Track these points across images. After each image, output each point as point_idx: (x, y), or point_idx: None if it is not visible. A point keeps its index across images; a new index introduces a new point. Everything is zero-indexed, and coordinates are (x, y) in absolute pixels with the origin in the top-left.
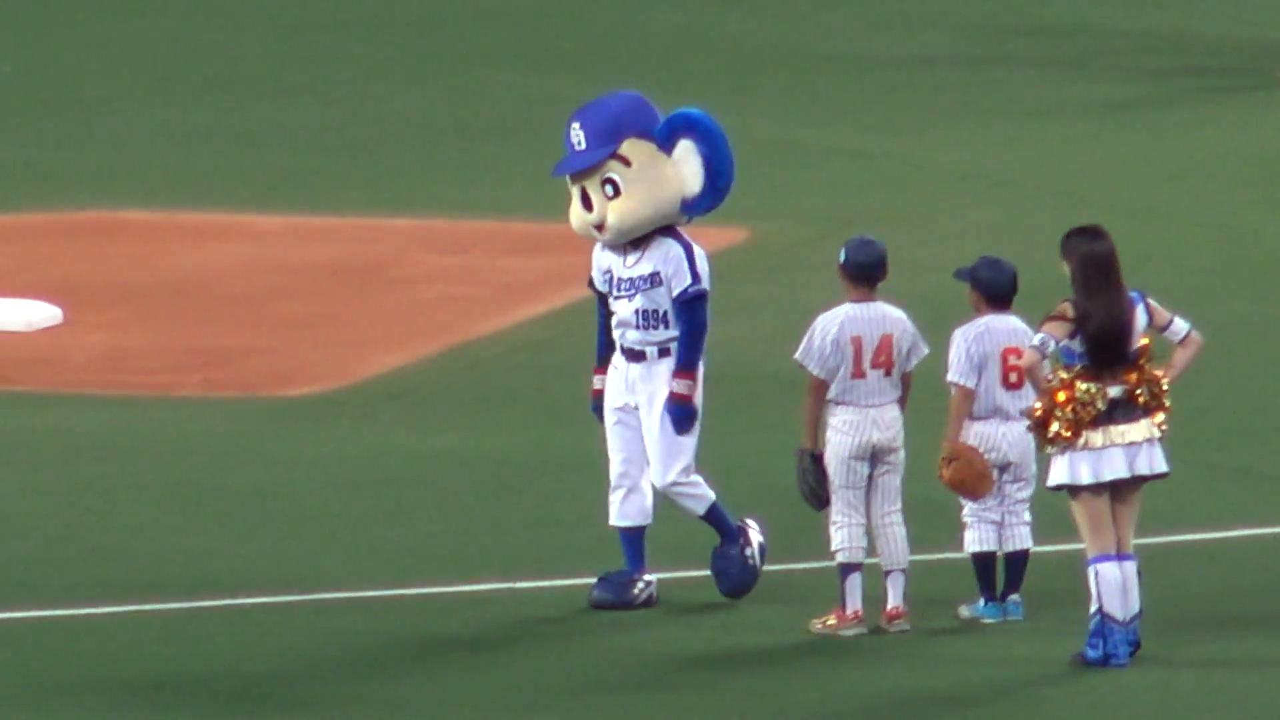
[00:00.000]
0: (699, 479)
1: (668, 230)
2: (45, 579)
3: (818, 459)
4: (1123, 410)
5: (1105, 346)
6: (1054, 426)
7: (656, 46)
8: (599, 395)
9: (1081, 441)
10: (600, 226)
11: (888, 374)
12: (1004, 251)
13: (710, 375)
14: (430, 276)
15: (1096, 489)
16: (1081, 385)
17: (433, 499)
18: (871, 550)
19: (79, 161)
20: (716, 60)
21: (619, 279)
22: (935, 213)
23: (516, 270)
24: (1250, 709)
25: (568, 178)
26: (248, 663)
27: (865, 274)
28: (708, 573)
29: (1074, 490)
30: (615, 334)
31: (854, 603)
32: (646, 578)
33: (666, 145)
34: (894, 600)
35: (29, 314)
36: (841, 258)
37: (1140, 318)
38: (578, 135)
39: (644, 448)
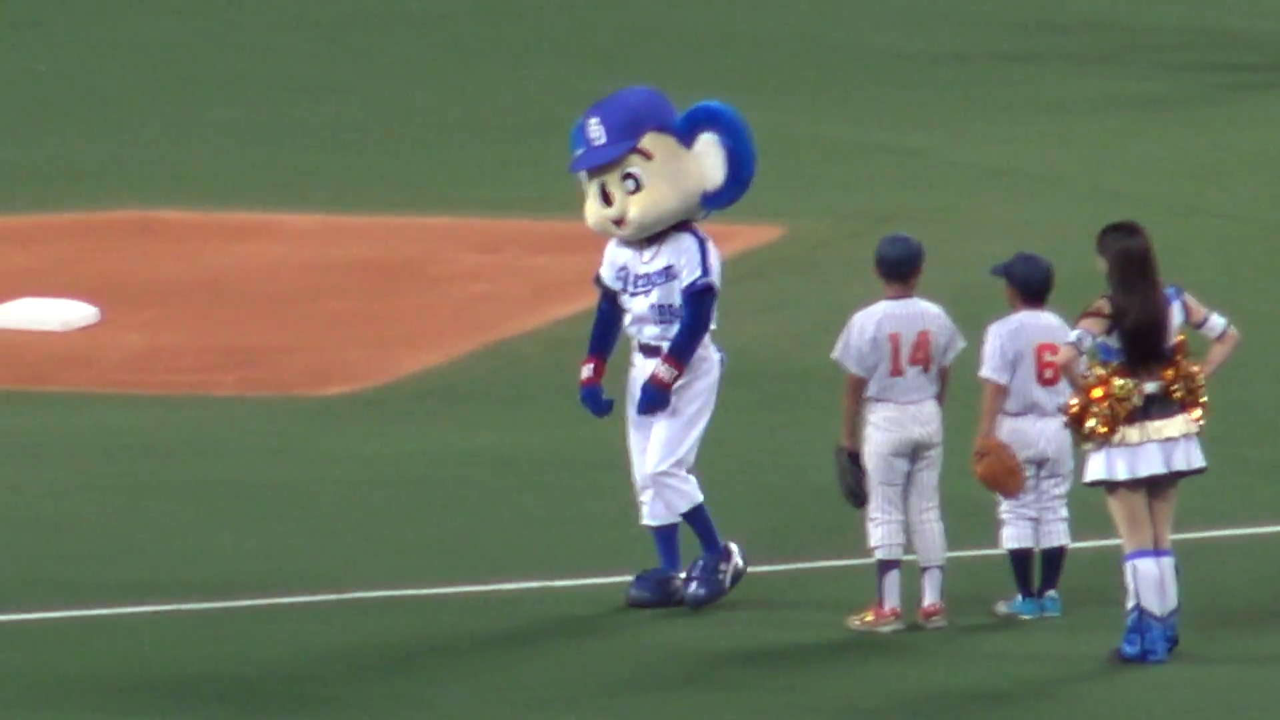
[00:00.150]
0: (691, 477)
1: (683, 225)
2: (80, 578)
3: (855, 457)
4: (1159, 406)
5: (1141, 342)
6: (1090, 422)
7: (689, 43)
8: (588, 384)
9: (1118, 437)
10: (620, 221)
11: (925, 370)
12: (1039, 247)
13: (747, 372)
14: (465, 275)
15: (1133, 485)
16: (1118, 381)
17: (468, 497)
18: (908, 547)
19: (114, 161)
20: (749, 57)
21: (636, 275)
22: (970, 209)
23: (551, 268)
24: None
25: (583, 173)
26: (282, 662)
27: (897, 271)
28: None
29: (1111, 486)
30: (631, 330)
31: (892, 599)
32: (683, 575)
33: (687, 139)
34: (931, 597)
35: (65, 314)
36: (875, 255)
37: (1176, 314)
38: (596, 130)
39: None
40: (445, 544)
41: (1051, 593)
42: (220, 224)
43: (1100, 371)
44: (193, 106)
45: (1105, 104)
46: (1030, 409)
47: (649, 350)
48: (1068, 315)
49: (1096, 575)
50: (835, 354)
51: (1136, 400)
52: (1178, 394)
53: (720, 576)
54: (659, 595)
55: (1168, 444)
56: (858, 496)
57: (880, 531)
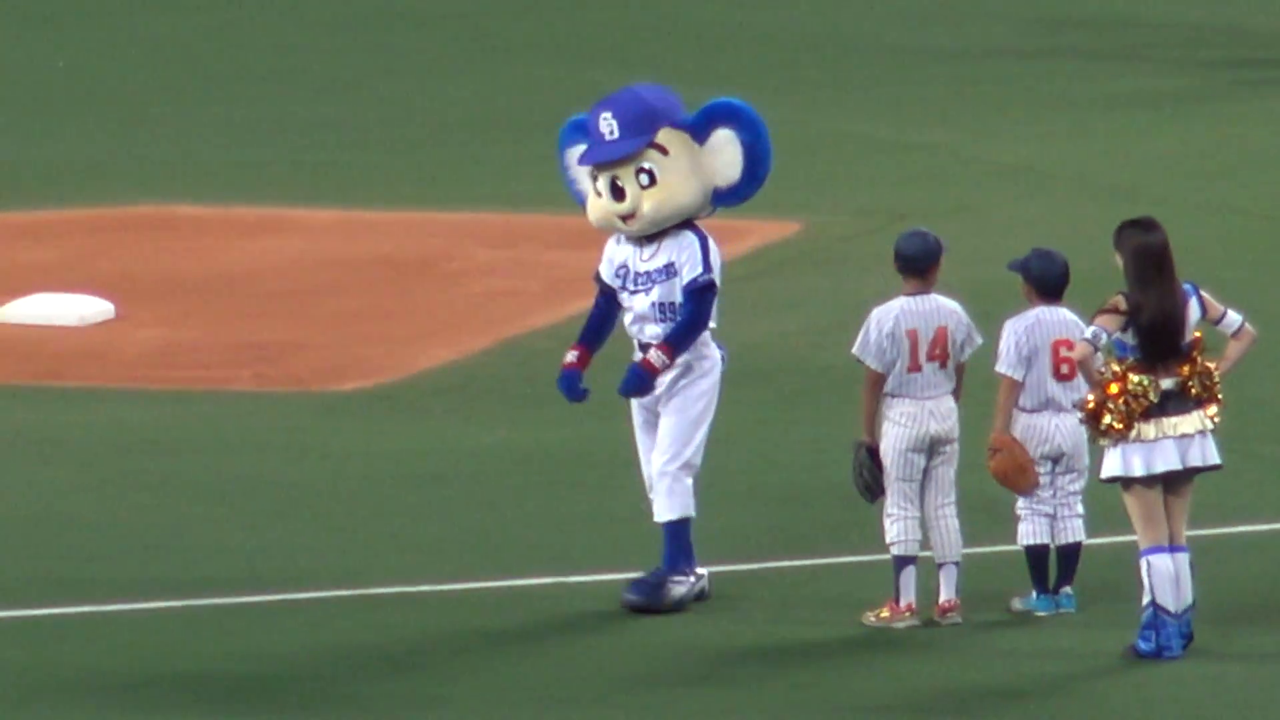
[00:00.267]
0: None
1: (685, 222)
2: (96, 574)
3: (874, 452)
4: (1175, 402)
5: (1158, 339)
6: (1106, 419)
7: (704, 40)
8: (569, 367)
9: (1134, 433)
10: (630, 216)
11: (943, 366)
12: (1056, 244)
13: (763, 368)
14: (481, 270)
15: (1149, 481)
16: (1134, 377)
17: (484, 493)
18: (924, 543)
19: (131, 157)
20: (765, 53)
21: (635, 273)
22: (987, 205)
23: (567, 264)
24: None
25: (590, 168)
26: (299, 658)
27: (915, 266)
28: (759, 566)
29: (1126, 482)
30: (631, 329)
31: (907, 595)
32: (699, 571)
33: (701, 135)
34: (946, 593)
35: (81, 309)
36: (894, 250)
37: (1193, 310)
38: (609, 124)
39: None
40: (460, 540)
41: (1067, 589)
42: (236, 220)
43: (1116, 368)
44: (209, 103)
45: (1123, 100)
46: (1046, 405)
47: (650, 349)
48: (1084, 311)
49: (1112, 571)
50: (854, 349)
51: (1153, 397)
52: (1194, 390)
53: (665, 593)
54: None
55: (1183, 440)
56: (873, 492)
57: (897, 527)
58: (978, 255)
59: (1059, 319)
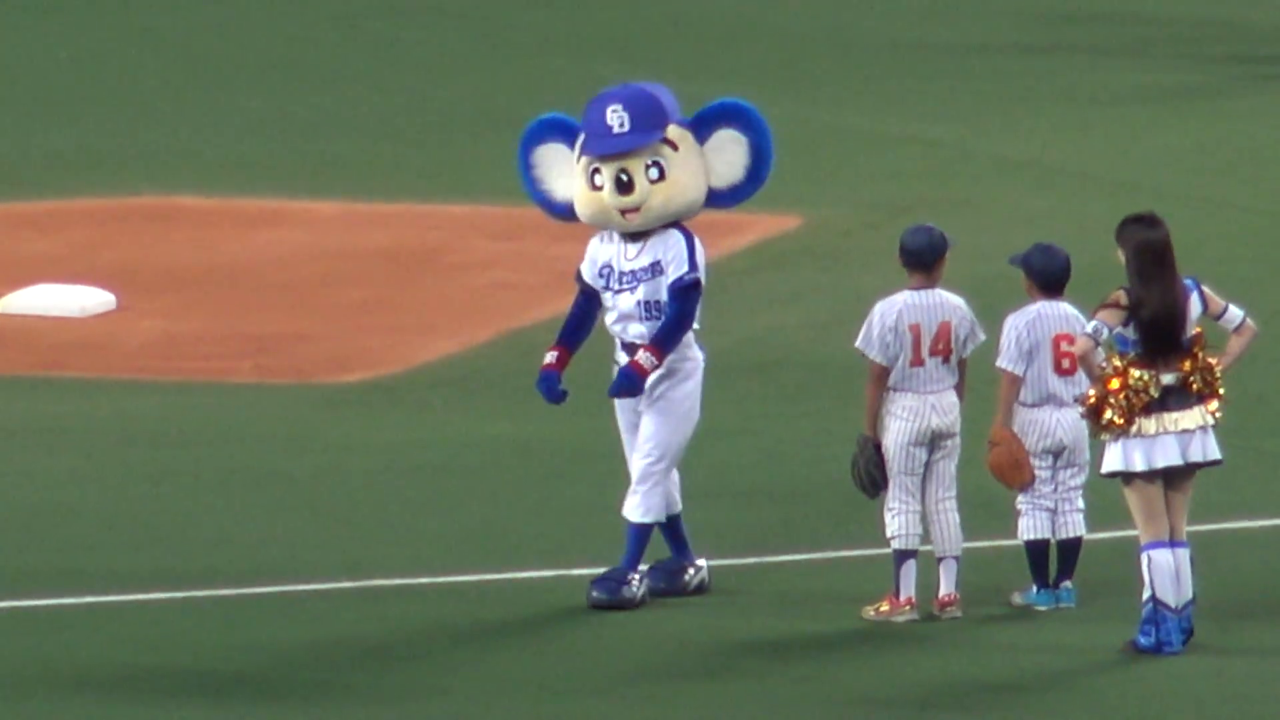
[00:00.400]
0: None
1: (672, 221)
2: (98, 565)
3: (879, 446)
4: (1176, 398)
5: (1159, 334)
6: (1107, 414)
7: (710, 33)
8: (548, 368)
9: (1135, 429)
10: (634, 210)
11: (946, 361)
12: (1058, 239)
13: (764, 362)
14: (484, 263)
15: (1150, 476)
16: (1135, 372)
17: (486, 485)
18: (924, 537)
19: (133, 148)
20: (769, 48)
21: (620, 272)
22: (990, 200)
23: (569, 257)
24: None
25: (588, 160)
26: (300, 649)
27: (920, 261)
28: (759, 560)
29: (1127, 477)
30: (615, 328)
31: (907, 589)
32: (699, 562)
33: (703, 134)
34: (946, 587)
35: (83, 300)
36: (899, 244)
37: (1195, 305)
38: (620, 116)
39: None
40: (461, 532)
41: (1067, 583)
42: (238, 211)
43: (1117, 363)
44: (212, 94)
45: (1126, 96)
46: (1048, 399)
47: (634, 349)
48: (1086, 306)
49: (1112, 566)
50: (856, 343)
51: (1154, 392)
52: (1195, 386)
53: (627, 594)
54: (672, 585)
55: (1184, 436)
56: (877, 486)
57: (898, 521)
58: (980, 250)
59: (1060, 314)
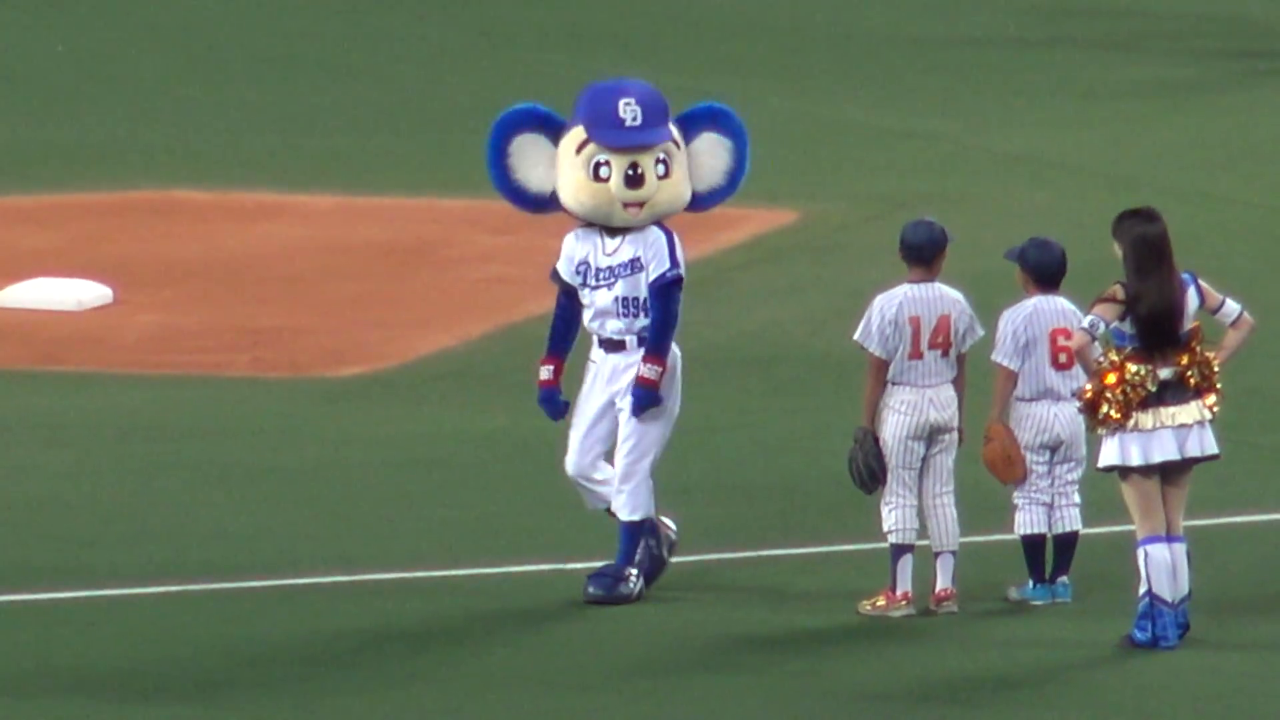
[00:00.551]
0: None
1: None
2: (95, 559)
3: (878, 440)
4: (1173, 392)
5: (1156, 328)
6: (1104, 408)
7: (707, 28)
8: (546, 385)
9: (1131, 423)
10: (641, 204)
11: (945, 355)
12: (1055, 233)
13: (761, 356)
14: (481, 257)
15: (1146, 471)
16: (1132, 367)
17: (482, 480)
18: (921, 532)
19: (131, 141)
20: (768, 41)
21: (597, 268)
22: (987, 194)
23: None
24: None
25: (606, 152)
26: (298, 643)
27: (920, 255)
28: (756, 554)
29: (1124, 472)
30: (592, 325)
31: (904, 584)
32: (668, 523)
33: (689, 135)
34: (943, 582)
35: (79, 293)
36: (900, 238)
37: (1192, 300)
38: (633, 110)
39: (605, 438)
40: (458, 526)
41: (1063, 578)
42: (236, 205)
43: (1114, 357)
44: (210, 88)
45: (1124, 90)
46: (1045, 394)
47: (612, 345)
48: (1083, 301)
49: (1109, 561)
50: (856, 336)
51: (1151, 386)
52: (1192, 380)
53: (624, 589)
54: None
55: (1181, 430)
56: (875, 479)
57: (894, 516)
58: (978, 244)
59: (1056, 308)
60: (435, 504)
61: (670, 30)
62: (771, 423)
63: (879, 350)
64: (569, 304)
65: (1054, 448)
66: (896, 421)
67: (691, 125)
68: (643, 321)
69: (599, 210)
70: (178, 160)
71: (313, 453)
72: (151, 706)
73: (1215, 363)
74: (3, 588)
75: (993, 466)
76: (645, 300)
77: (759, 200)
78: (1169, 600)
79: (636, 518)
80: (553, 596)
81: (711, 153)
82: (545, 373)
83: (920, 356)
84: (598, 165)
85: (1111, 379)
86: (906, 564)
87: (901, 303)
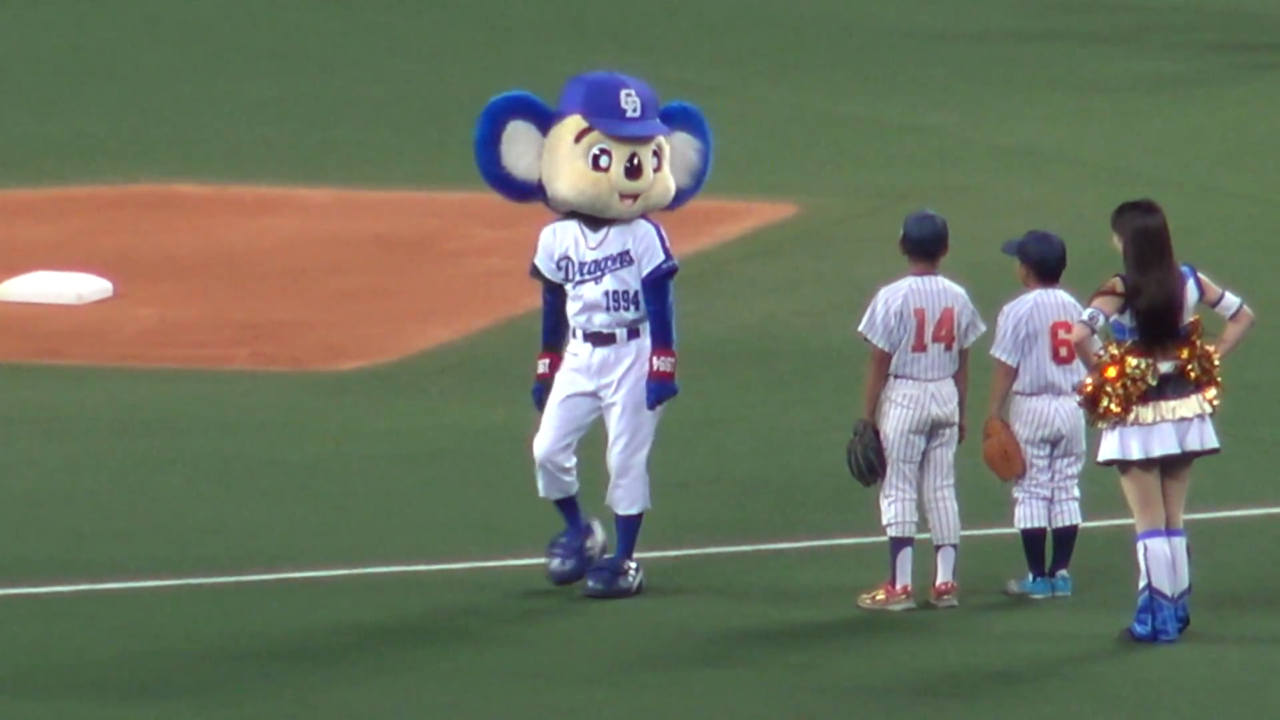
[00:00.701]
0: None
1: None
2: (95, 553)
3: (878, 432)
4: (1173, 386)
5: (1156, 322)
6: (1104, 402)
7: (707, 21)
8: (542, 378)
9: (1132, 417)
10: (637, 196)
11: (948, 348)
12: (1054, 226)
13: (760, 349)
14: (481, 250)
15: (1146, 464)
16: (1132, 361)
17: (483, 473)
18: (922, 525)
19: (131, 135)
20: (767, 34)
21: (582, 262)
22: (986, 187)
23: None
24: None
25: (608, 141)
26: (297, 637)
27: (921, 248)
28: (755, 548)
29: (1124, 465)
30: (578, 319)
31: (903, 578)
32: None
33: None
34: (944, 575)
35: (79, 287)
36: (901, 232)
37: (1191, 293)
38: (634, 102)
39: (580, 429)
40: (459, 519)
41: (1063, 572)
42: (235, 199)
43: (1114, 351)
44: (210, 81)
45: (1123, 83)
46: (1045, 388)
47: (600, 339)
48: (1082, 294)
49: (1108, 555)
50: (860, 328)
51: (1151, 380)
52: (1192, 374)
53: (623, 583)
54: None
55: (1181, 424)
56: (874, 471)
57: (894, 509)
58: (977, 237)
59: (1057, 301)
60: (435, 498)
61: (670, 23)
62: (771, 416)
63: (882, 343)
64: (554, 299)
65: (1054, 442)
66: (898, 415)
67: (667, 123)
68: (632, 314)
69: (599, 200)
70: (178, 154)
71: (313, 447)
72: (151, 700)
73: (1215, 356)
74: (2, 581)
75: (991, 463)
76: (635, 293)
77: (758, 193)
78: (1169, 594)
79: (634, 511)
80: (552, 590)
81: (682, 152)
82: (543, 366)
83: (924, 349)
84: (598, 155)
85: (1112, 373)
86: (906, 557)
87: (906, 295)
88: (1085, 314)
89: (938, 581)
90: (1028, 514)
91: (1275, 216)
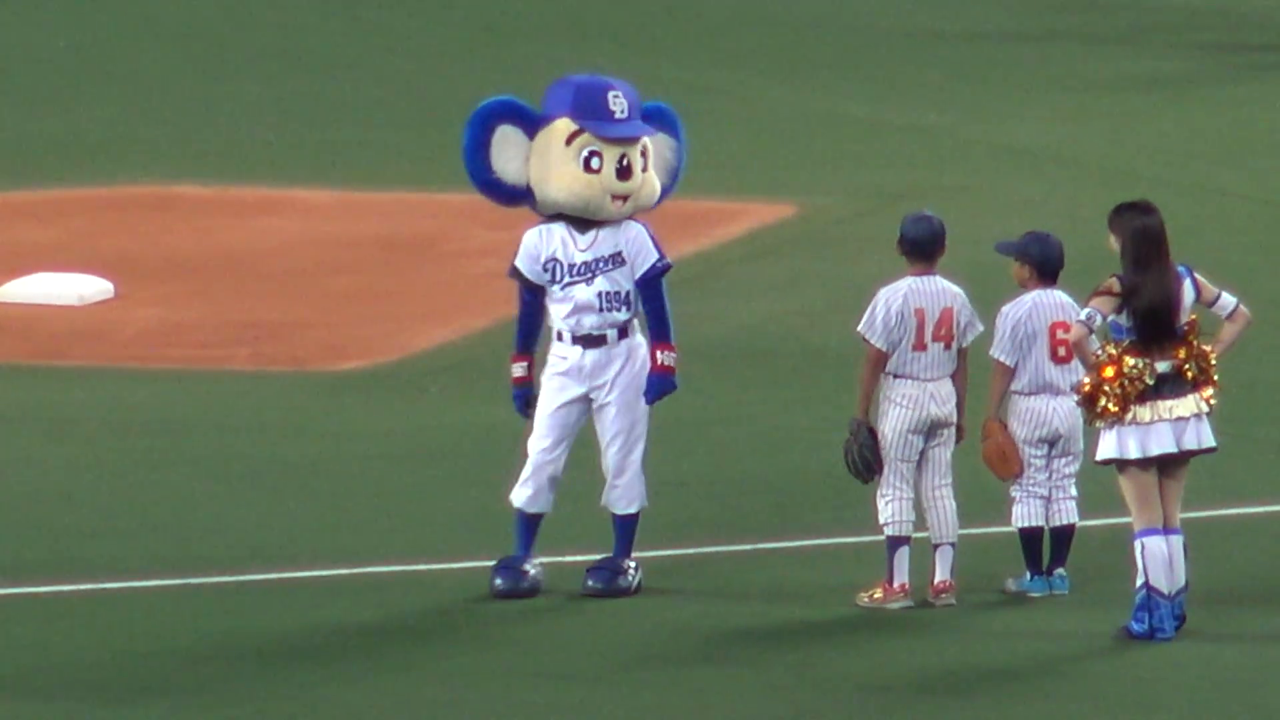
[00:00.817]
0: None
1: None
2: (96, 552)
3: (873, 431)
4: (1171, 385)
5: (1153, 321)
6: (1102, 401)
7: (706, 20)
8: (521, 383)
9: (1129, 416)
10: (626, 197)
11: (947, 348)
12: (1052, 226)
13: (759, 349)
14: (479, 251)
15: (1144, 463)
16: (1129, 360)
17: (482, 472)
18: (920, 524)
19: (132, 136)
20: (766, 33)
21: (572, 264)
22: (984, 187)
23: None
24: None
25: (600, 143)
26: (298, 636)
27: (919, 249)
28: (753, 547)
29: (1122, 465)
30: (566, 322)
31: (901, 576)
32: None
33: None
34: (942, 574)
35: (81, 288)
36: (899, 233)
37: (1188, 293)
38: (621, 103)
39: (573, 435)
40: (458, 519)
41: (1060, 570)
42: (236, 200)
43: (1112, 350)
44: (211, 82)
45: (1121, 83)
46: (1044, 388)
47: (591, 340)
48: (1080, 294)
49: (1106, 553)
50: (860, 328)
51: (1148, 379)
52: (1189, 373)
53: (623, 582)
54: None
55: (1179, 423)
56: (870, 470)
57: (891, 508)
58: (975, 237)
59: (1056, 302)
60: (435, 497)
61: (670, 23)
62: (769, 416)
63: (881, 343)
64: (534, 300)
65: (1052, 441)
66: (897, 415)
67: (647, 123)
68: (623, 315)
69: (591, 202)
70: (178, 155)
71: (313, 447)
72: (151, 700)
73: (1212, 356)
74: (3, 581)
75: (990, 464)
76: (626, 293)
77: (757, 193)
78: (1166, 592)
79: (632, 510)
80: (552, 588)
81: (660, 152)
82: (518, 370)
83: (924, 349)
84: (589, 157)
85: (1109, 372)
86: (903, 556)
87: (906, 295)
88: (1083, 314)
89: (936, 580)
90: (1025, 513)
91: (1274, 216)
